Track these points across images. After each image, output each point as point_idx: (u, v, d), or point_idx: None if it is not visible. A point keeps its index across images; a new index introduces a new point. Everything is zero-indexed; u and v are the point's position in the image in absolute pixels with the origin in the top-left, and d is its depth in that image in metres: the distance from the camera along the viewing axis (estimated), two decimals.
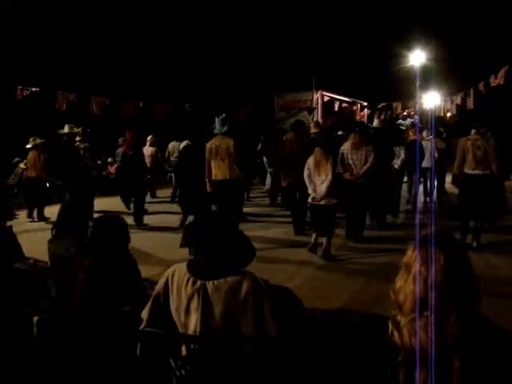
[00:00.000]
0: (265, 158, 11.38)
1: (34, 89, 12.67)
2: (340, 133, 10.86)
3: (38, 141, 10.43)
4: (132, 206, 9.72)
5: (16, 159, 13.06)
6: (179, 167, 8.38)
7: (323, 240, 6.72)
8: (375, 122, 9.27)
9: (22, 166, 12.63)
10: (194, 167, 8.00)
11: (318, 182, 6.68)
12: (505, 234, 7.72)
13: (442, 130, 11.96)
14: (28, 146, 10.54)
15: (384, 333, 2.07)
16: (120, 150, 10.58)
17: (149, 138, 12.32)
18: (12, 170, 12.74)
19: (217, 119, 7.59)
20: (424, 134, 11.10)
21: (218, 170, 7.48)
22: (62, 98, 13.14)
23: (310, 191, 6.79)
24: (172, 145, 12.50)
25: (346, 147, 7.60)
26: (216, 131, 7.60)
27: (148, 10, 23.61)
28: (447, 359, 1.87)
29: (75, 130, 9.37)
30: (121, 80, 20.57)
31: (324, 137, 8.44)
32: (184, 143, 9.97)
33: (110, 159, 13.76)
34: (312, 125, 10.17)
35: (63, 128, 9.28)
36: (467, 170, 7.44)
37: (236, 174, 7.45)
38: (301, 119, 11.41)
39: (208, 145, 7.60)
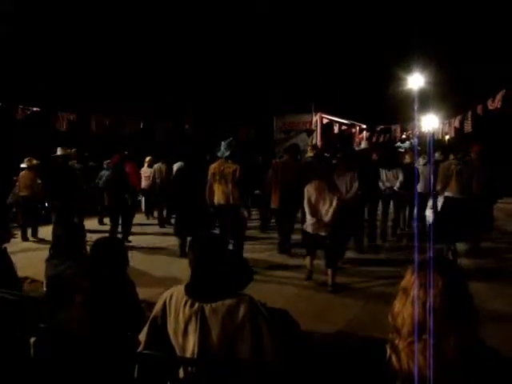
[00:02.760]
0: None
1: (34, 108, 12.72)
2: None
3: (34, 162, 10.41)
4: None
5: (14, 178, 13.07)
6: (174, 190, 8.25)
7: (328, 271, 6.49)
8: (362, 144, 9.32)
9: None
10: (188, 190, 7.93)
11: (322, 211, 6.46)
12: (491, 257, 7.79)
13: (437, 154, 11.90)
14: (23, 165, 10.52)
15: (382, 356, 2.06)
16: (103, 173, 10.55)
17: (147, 159, 12.25)
18: (10, 188, 12.72)
19: (223, 143, 7.47)
20: (420, 160, 11.00)
21: (220, 195, 7.35)
22: (61, 118, 13.16)
23: (307, 219, 6.61)
24: (158, 166, 12.32)
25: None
26: (219, 154, 7.48)
27: (145, 31, 23.88)
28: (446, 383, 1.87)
29: (68, 151, 9.40)
30: (121, 100, 20.72)
31: (320, 164, 8.37)
32: (177, 165, 9.82)
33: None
34: (309, 148, 10.14)
35: (57, 151, 9.34)
36: (448, 194, 7.58)
37: (238, 199, 7.31)
38: (297, 142, 11.36)
39: (211, 168, 7.49)
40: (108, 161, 10.67)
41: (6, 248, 4.53)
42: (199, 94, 24.95)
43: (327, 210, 6.40)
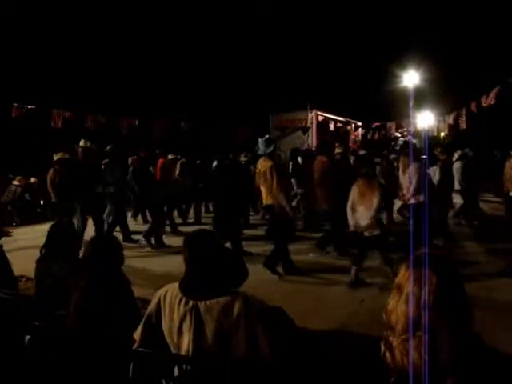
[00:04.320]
0: (293, 180, 10.68)
1: (29, 106, 12.67)
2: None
3: (61, 155, 9.61)
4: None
5: (10, 176, 13.03)
6: (215, 189, 8.24)
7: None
8: (415, 141, 8.97)
9: (15, 182, 12.61)
10: (229, 189, 7.86)
11: (360, 211, 6.32)
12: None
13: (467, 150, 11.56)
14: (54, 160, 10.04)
15: (378, 354, 2.07)
16: (131, 169, 10.36)
17: (169, 156, 12.17)
18: (6, 187, 12.70)
19: (260, 140, 7.14)
20: (455, 155, 10.64)
21: (263, 194, 7.06)
22: (57, 116, 13.10)
23: (350, 220, 6.43)
24: (181, 162, 12.23)
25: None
26: (260, 152, 7.15)
27: (142, 28, 23.83)
28: (440, 380, 1.87)
29: (88, 144, 8.97)
30: (117, 97, 20.68)
31: (363, 163, 8.11)
32: (215, 163, 9.68)
33: None
34: (336, 145, 9.64)
35: (78, 144, 9.00)
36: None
37: (275, 199, 6.85)
38: (293, 140, 11.14)
39: (256, 168, 7.26)
40: (134, 157, 10.51)
41: (1, 245, 4.53)
42: (196, 93, 24.93)
43: (366, 211, 6.28)
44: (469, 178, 10.11)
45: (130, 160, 10.63)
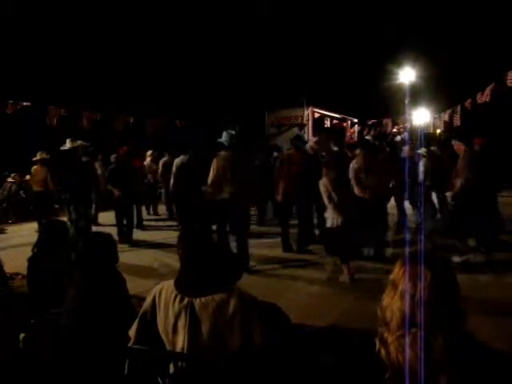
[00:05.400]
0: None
1: (24, 103, 12.62)
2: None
3: (45, 155, 10.13)
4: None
5: (5, 173, 13.00)
6: (177, 183, 8.28)
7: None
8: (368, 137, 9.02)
9: (10, 179, 12.58)
10: (192, 183, 7.93)
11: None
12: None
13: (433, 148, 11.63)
14: (34, 158, 10.18)
15: (372, 350, 2.07)
16: (112, 167, 10.28)
17: (148, 153, 12.01)
18: (1, 184, 12.67)
19: (225, 133, 7.13)
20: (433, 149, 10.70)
21: (226, 187, 6.94)
22: (52, 113, 13.05)
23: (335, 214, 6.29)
24: (163, 160, 12.15)
25: (356, 165, 7.29)
26: (227, 145, 7.13)
27: (139, 25, 23.76)
28: (434, 377, 1.88)
29: (78, 142, 8.91)
30: (112, 95, 20.63)
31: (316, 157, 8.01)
32: (180, 158, 9.67)
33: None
34: (315, 140, 9.52)
35: (64, 143, 8.96)
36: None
37: (244, 192, 6.85)
38: (288, 136, 11.02)
39: (215, 160, 7.12)
40: (115, 155, 10.45)
41: None
42: (191, 91, 24.90)
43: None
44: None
45: (112, 158, 10.55)
